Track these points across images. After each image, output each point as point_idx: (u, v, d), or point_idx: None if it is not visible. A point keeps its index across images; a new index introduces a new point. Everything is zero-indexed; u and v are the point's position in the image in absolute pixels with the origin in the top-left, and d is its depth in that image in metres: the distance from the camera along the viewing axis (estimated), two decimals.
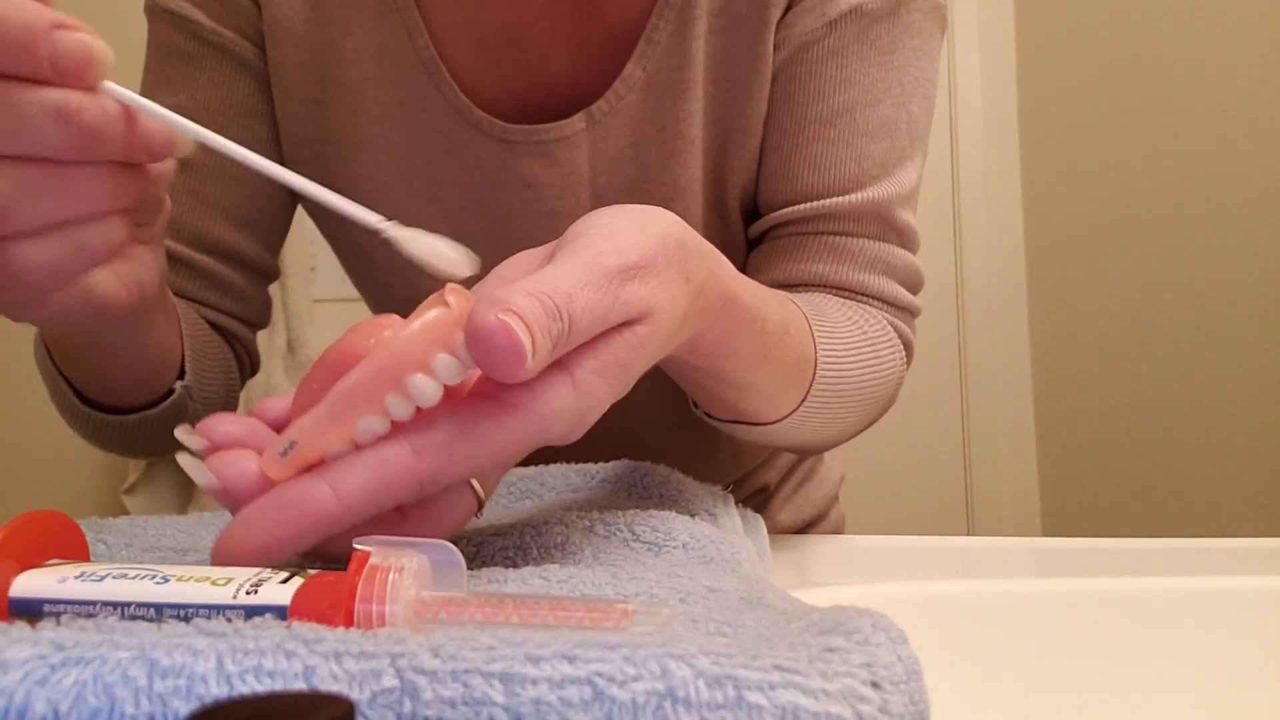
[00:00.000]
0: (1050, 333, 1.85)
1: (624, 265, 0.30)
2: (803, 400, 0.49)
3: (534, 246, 0.58)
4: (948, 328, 1.90)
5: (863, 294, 0.57)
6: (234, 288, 0.61)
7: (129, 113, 0.31)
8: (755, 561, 0.37)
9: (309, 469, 0.28)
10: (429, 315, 0.28)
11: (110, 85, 0.31)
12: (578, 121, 0.57)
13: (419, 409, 0.28)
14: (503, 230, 0.59)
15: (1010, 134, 1.90)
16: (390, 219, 0.58)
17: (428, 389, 0.27)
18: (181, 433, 0.30)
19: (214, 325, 0.60)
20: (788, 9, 0.56)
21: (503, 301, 0.26)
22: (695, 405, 0.49)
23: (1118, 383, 1.70)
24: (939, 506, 1.91)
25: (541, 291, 0.27)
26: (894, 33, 0.56)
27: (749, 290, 0.40)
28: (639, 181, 0.58)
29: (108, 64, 0.31)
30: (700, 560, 0.35)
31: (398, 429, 0.28)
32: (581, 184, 0.58)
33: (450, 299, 0.28)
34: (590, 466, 0.48)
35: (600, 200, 0.58)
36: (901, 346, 0.58)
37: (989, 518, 1.88)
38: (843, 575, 0.49)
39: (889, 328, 0.57)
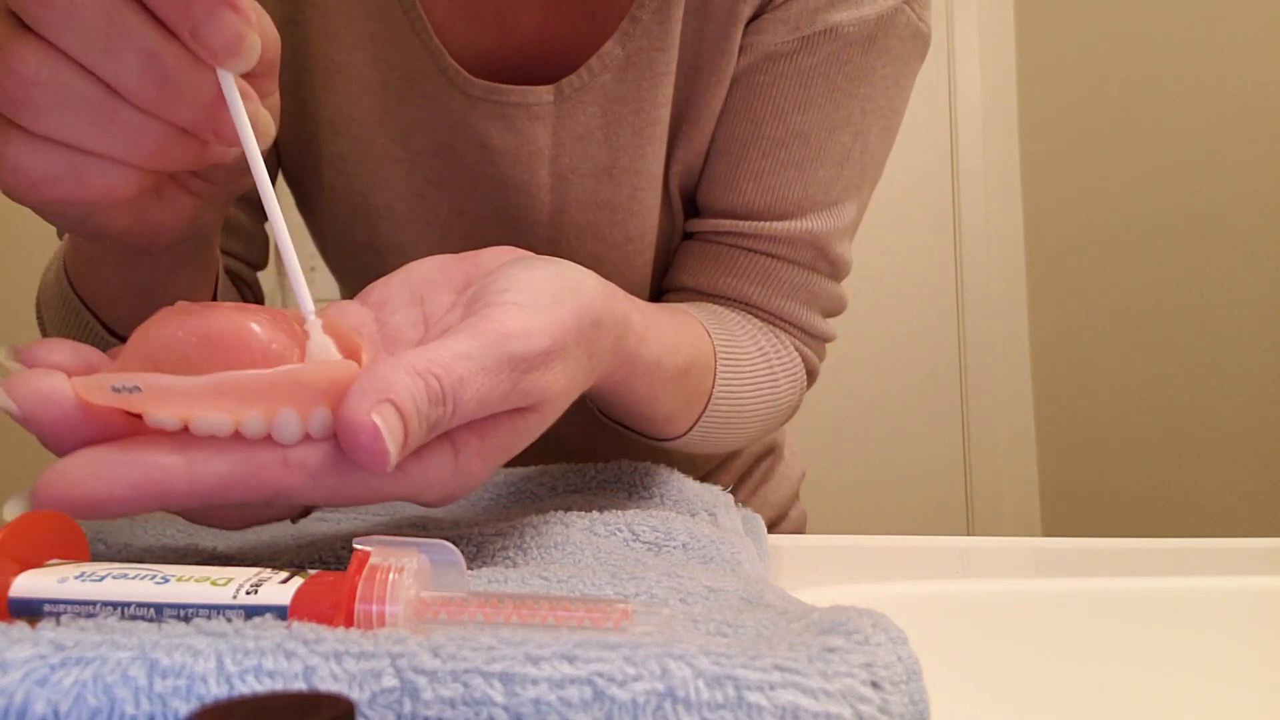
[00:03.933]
0: (1050, 333, 1.85)
1: (529, 354, 0.29)
2: (691, 427, 0.50)
3: (488, 213, 0.57)
4: (948, 328, 1.90)
5: (782, 320, 0.58)
6: (239, 227, 0.59)
7: (219, 100, 0.30)
8: (755, 561, 0.37)
9: (136, 424, 0.26)
10: (340, 366, 0.27)
11: (225, 74, 0.30)
12: (545, 93, 0.54)
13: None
14: (469, 185, 0.57)
15: (1010, 134, 1.90)
16: (361, 157, 0.57)
17: (292, 428, 0.26)
18: (2, 354, 0.27)
19: (226, 271, 0.58)
20: (760, 11, 0.54)
21: (383, 389, 0.25)
22: (589, 400, 0.48)
23: (1118, 383, 1.70)
24: (939, 506, 1.91)
25: (431, 373, 0.26)
26: (867, 59, 0.55)
27: (652, 345, 0.40)
28: (607, 167, 0.56)
29: (245, 60, 0.29)
30: (700, 560, 0.35)
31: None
32: (540, 160, 0.55)
33: (365, 355, 0.29)
34: (590, 466, 0.48)
35: (562, 181, 0.56)
36: (805, 374, 0.60)
37: (989, 518, 1.89)
38: (842, 575, 0.49)
39: (796, 357, 0.58)
